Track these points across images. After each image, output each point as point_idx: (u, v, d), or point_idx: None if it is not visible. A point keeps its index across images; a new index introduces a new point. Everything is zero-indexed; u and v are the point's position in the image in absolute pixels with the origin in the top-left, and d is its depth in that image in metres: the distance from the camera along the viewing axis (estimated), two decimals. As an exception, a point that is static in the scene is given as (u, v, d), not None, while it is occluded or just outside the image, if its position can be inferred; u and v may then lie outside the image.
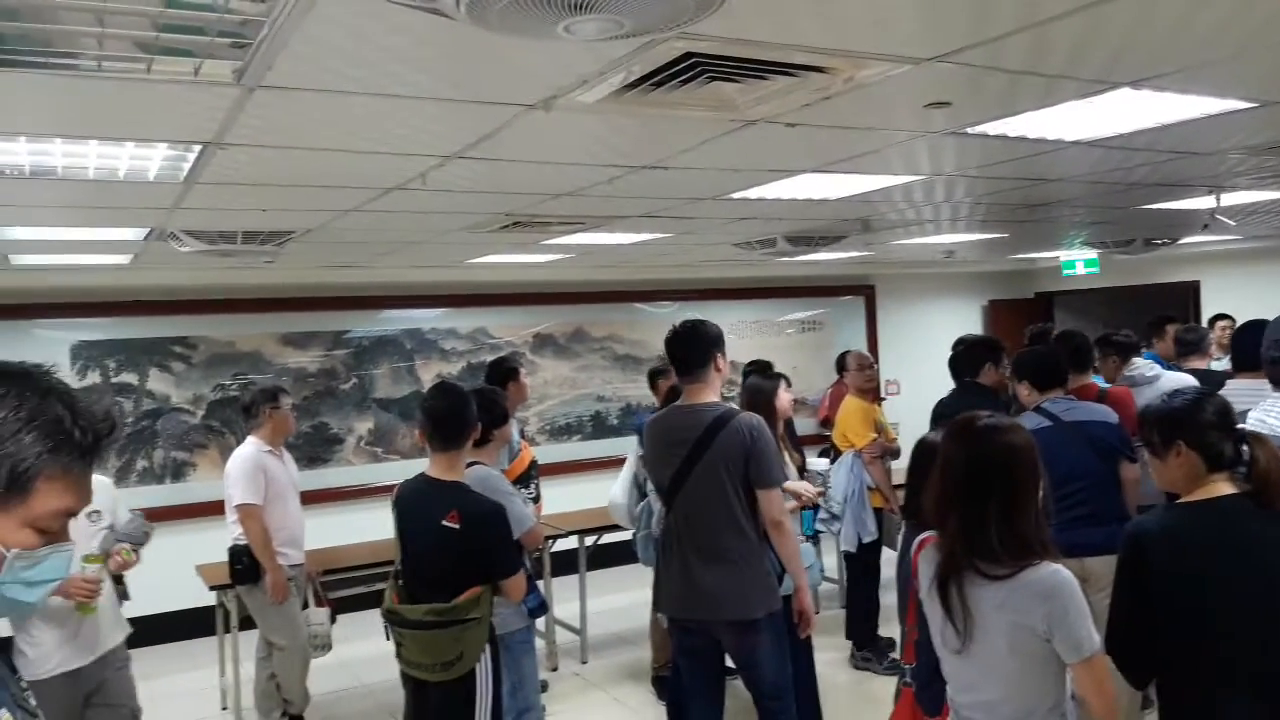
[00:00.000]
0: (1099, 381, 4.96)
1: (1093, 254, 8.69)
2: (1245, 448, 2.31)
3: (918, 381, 8.56)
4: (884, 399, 8.94)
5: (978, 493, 2.21)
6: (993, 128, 3.23)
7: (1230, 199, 5.30)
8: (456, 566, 3.28)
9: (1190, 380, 4.30)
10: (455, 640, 3.23)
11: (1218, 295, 9.06)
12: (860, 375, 5.98)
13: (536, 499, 4.86)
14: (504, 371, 5.32)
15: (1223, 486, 2.31)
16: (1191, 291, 9.33)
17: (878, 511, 5.60)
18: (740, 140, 3.20)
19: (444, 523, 3.26)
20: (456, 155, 3.27)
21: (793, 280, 9.54)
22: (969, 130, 3.27)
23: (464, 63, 2.29)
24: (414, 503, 3.47)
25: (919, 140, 3.43)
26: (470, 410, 3.45)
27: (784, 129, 3.06)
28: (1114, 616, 2.38)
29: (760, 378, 4.79)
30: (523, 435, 5.52)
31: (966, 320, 10.38)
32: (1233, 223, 5.14)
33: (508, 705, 3.91)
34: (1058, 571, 2.17)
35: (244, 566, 4.80)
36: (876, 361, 9.90)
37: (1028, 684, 2.22)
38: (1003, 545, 2.17)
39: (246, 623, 5.09)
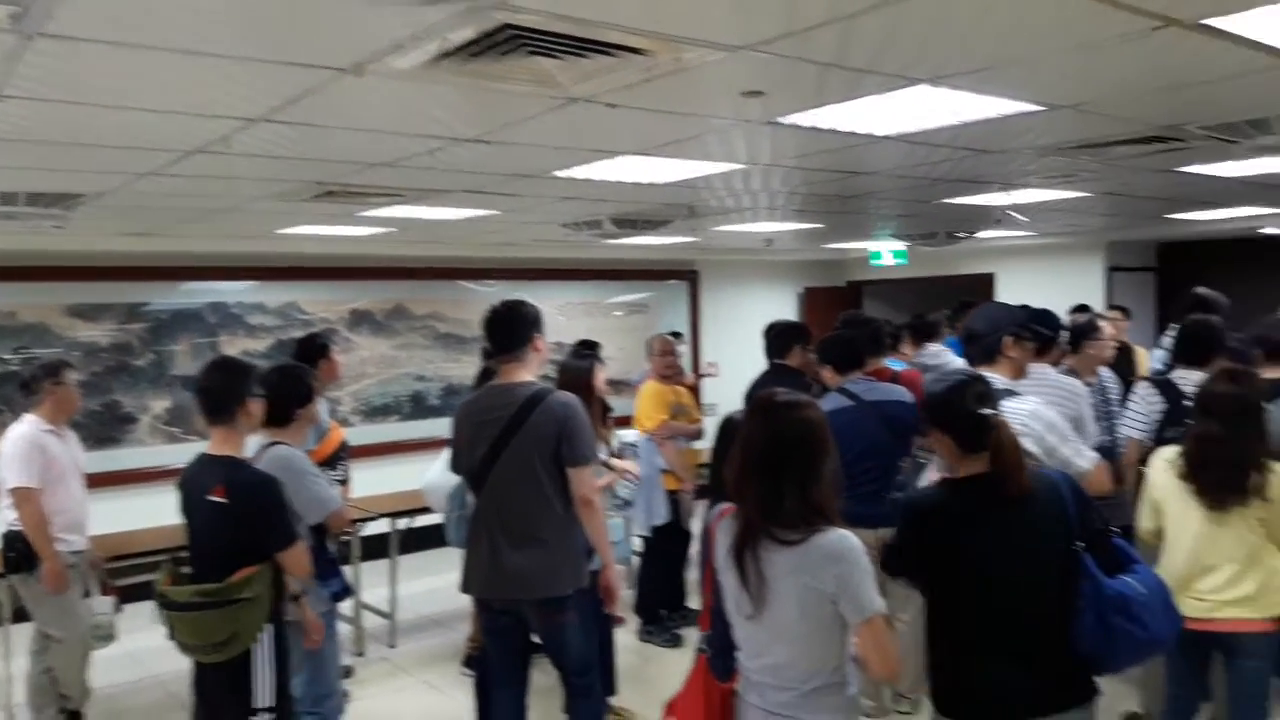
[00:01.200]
0: (893, 365, 5.25)
1: (901, 245, 9.14)
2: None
3: (738, 364, 8.79)
4: (702, 376, 9.16)
5: (776, 464, 2.31)
6: (805, 119, 3.33)
7: (1021, 196, 5.69)
8: (230, 543, 3.18)
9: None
10: (226, 621, 3.11)
11: (1011, 287, 9.74)
12: (662, 360, 6.02)
13: (344, 481, 4.69)
14: (314, 348, 5.10)
15: (979, 466, 2.48)
16: (988, 283, 10.00)
17: (672, 494, 5.70)
18: (563, 118, 3.17)
19: (211, 498, 3.17)
20: (262, 118, 3.10)
21: (620, 263, 9.60)
22: (783, 120, 3.36)
23: (269, 21, 2.16)
24: (189, 481, 3.36)
25: (737, 128, 3.50)
26: (242, 384, 3.32)
27: (606, 109, 3.06)
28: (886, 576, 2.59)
29: (574, 357, 4.81)
30: (333, 415, 5.32)
31: (783, 306, 10.75)
32: (1023, 218, 5.52)
33: (304, 691, 3.77)
34: (846, 536, 2.29)
35: (18, 554, 4.43)
36: (698, 344, 10.25)
37: (815, 647, 2.33)
38: (798, 512, 2.27)
39: (21, 614, 4.70)
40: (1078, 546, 2.45)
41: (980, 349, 3.47)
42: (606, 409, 4.91)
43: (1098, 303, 9.19)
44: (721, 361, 10.05)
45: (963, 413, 2.48)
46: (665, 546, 5.79)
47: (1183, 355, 4.28)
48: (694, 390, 8.88)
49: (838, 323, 5.35)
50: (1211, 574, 3.23)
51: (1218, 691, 3.83)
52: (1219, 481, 3.18)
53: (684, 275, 10.28)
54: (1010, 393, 3.20)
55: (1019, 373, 3.49)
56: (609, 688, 4.59)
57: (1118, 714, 4.46)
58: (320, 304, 7.99)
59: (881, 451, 4.45)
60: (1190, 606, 3.21)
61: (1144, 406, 4.18)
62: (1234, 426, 3.17)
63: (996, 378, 3.24)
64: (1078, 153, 4.16)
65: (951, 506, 2.52)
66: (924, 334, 5.93)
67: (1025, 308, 3.89)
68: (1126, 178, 5.23)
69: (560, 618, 3.53)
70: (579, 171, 4.32)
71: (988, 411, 2.48)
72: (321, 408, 4.67)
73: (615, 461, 4.68)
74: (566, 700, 3.75)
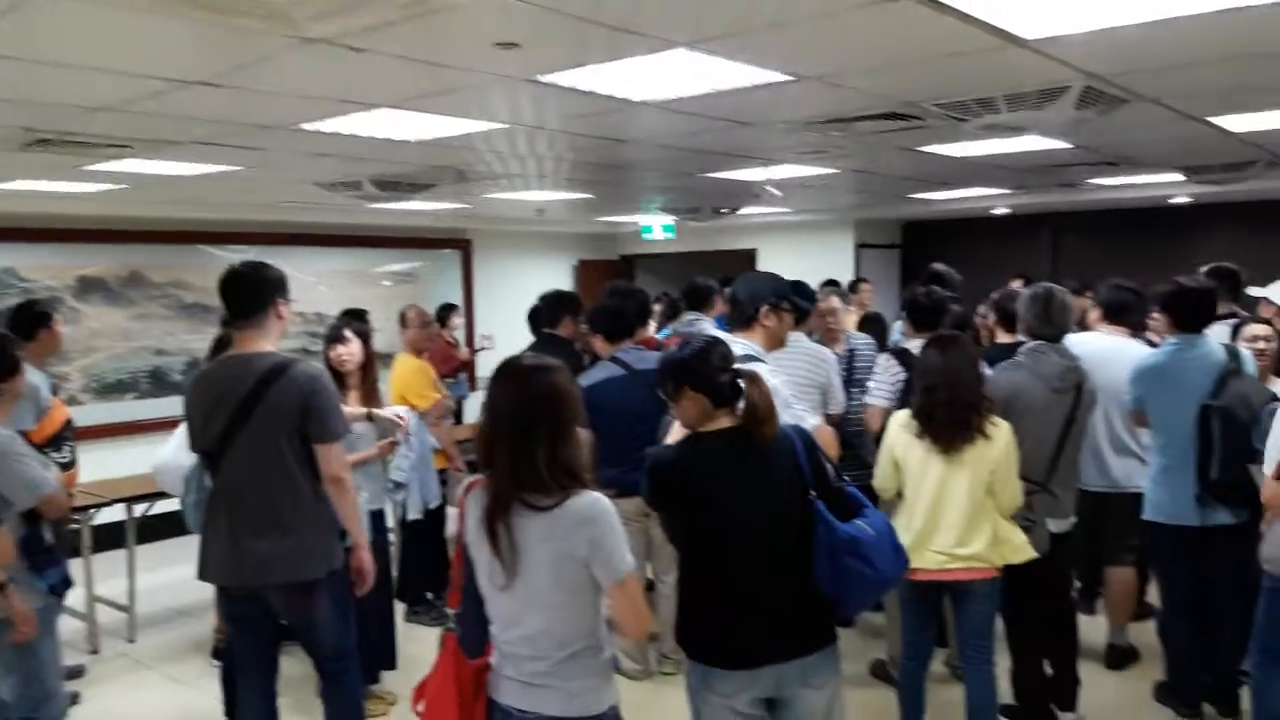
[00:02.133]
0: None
1: (670, 220, 9.32)
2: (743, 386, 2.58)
3: (513, 336, 8.67)
4: (478, 351, 8.98)
5: (525, 429, 2.25)
6: (565, 79, 3.27)
7: (779, 172, 5.90)
8: None
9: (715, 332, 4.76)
10: None
11: (771, 262, 10.17)
12: (420, 333, 5.74)
13: (70, 464, 4.23)
14: (31, 318, 4.57)
15: (725, 420, 2.56)
16: (751, 258, 10.39)
17: (441, 473, 5.51)
18: (304, 62, 2.95)
19: None
20: (-61, 44, 2.69)
21: (388, 230, 9.23)
22: (543, 79, 3.28)
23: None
24: None
25: (496, 85, 3.38)
26: None
27: (351, 54, 2.86)
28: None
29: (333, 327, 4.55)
30: (58, 392, 4.79)
31: (558, 278, 10.73)
32: (779, 193, 5.71)
33: (17, 695, 3.38)
34: (599, 499, 2.27)
35: None
36: (472, 316, 10.05)
37: (570, 613, 2.30)
38: (551, 476, 2.23)
39: None
40: (812, 495, 2.55)
41: (740, 316, 3.53)
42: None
43: (848, 277, 9.77)
44: (496, 334, 9.88)
45: (713, 371, 2.55)
46: (428, 527, 5.61)
47: (914, 325, 4.58)
48: (469, 366, 8.71)
49: (604, 293, 5.36)
50: (947, 530, 3.48)
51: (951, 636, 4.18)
52: (948, 422, 3.44)
53: (456, 244, 10.03)
54: (751, 358, 3.25)
55: (775, 341, 3.54)
56: (371, 673, 4.41)
57: (866, 663, 4.72)
58: (42, 269, 7.18)
59: (652, 419, 4.47)
60: (929, 560, 3.47)
61: (885, 376, 4.42)
62: (951, 378, 3.45)
63: (749, 344, 3.31)
64: (827, 127, 4.33)
65: (699, 459, 2.57)
66: (694, 301, 6.02)
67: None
68: (873, 155, 5.53)
69: (309, 601, 3.32)
70: (329, 125, 4.07)
71: (738, 368, 2.56)
72: (40, 383, 4.20)
73: (378, 412, 4.45)
74: (322, 687, 3.55)
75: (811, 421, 3.30)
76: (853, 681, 4.64)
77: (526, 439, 2.25)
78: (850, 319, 5.99)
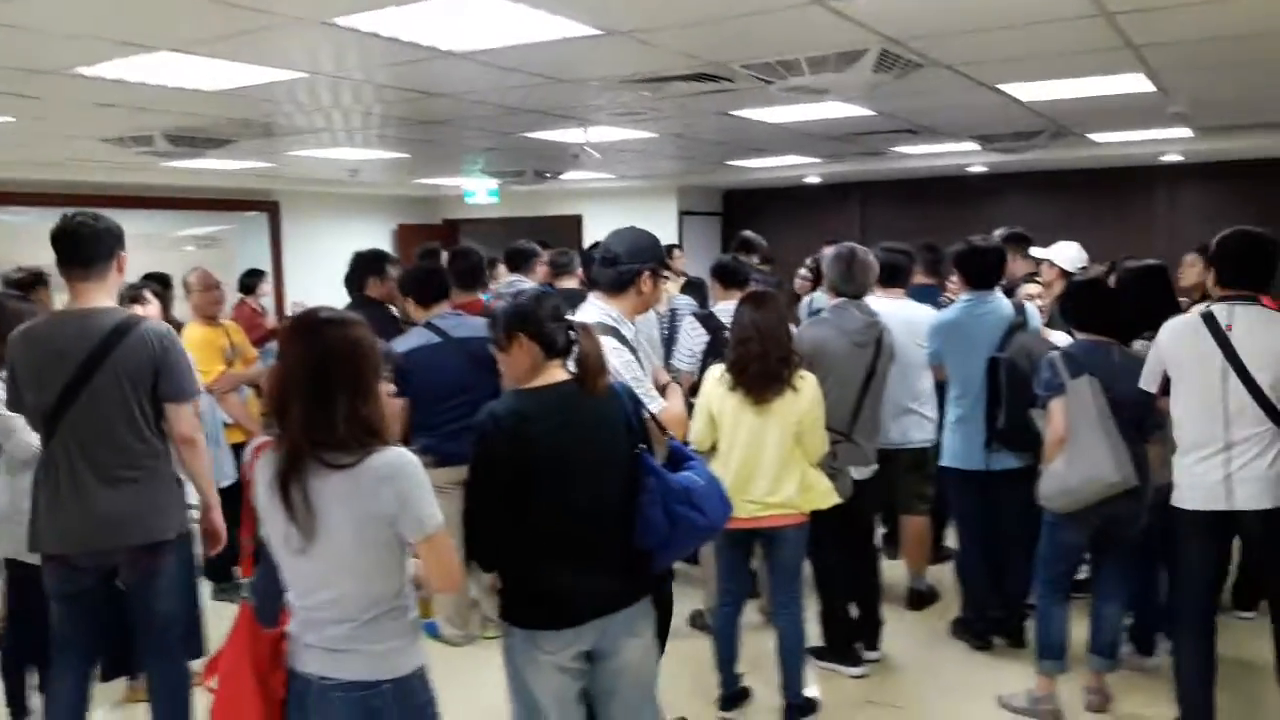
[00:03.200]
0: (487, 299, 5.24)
1: (493, 184, 9.17)
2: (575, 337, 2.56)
3: (326, 303, 8.34)
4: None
5: (325, 384, 2.16)
6: (364, 21, 3.12)
7: (597, 134, 5.88)
8: None
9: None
10: None
11: (596, 228, 10.15)
12: (205, 296, 5.36)
13: None
14: None
15: (558, 373, 2.53)
16: (576, 223, 10.37)
17: (237, 446, 5.18)
18: (68, -6, 2.69)
19: None
20: None
21: (188, 190, 8.67)
22: (340, 22, 3.12)
23: None
24: None
25: (289, 27, 3.20)
26: None
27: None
28: (469, 503, 2.52)
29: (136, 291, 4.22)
30: None
31: (376, 243, 10.21)
32: (599, 155, 5.71)
33: None
34: (402, 453, 2.20)
35: None
36: (282, 282, 9.58)
37: (374, 574, 2.22)
38: (350, 433, 2.14)
39: None
40: (640, 448, 2.58)
41: (614, 278, 3.08)
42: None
43: (672, 243, 9.91)
44: (311, 302, 9.44)
45: (546, 320, 2.50)
46: (226, 504, 5.28)
47: (723, 285, 4.70)
48: (279, 334, 8.30)
49: (417, 254, 5.23)
50: (760, 479, 3.59)
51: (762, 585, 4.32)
52: (760, 375, 3.55)
53: (263, 207, 9.54)
54: (610, 330, 3.07)
55: (643, 310, 3.26)
56: (196, 649, 4.16)
57: (684, 616, 4.82)
58: None
59: (470, 387, 4.38)
60: (743, 508, 3.54)
61: (689, 341, 4.51)
62: (764, 332, 3.57)
63: (608, 310, 3.09)
64: (640, 87, 4.34)
65: (531, 412, 2.51)
66: (516, 263, 5.94)
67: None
68: (689, 119, 5.59)
69: (158, 564, 3.16)
70: (109, 69, 3.75)
71: (571, 318, 2.53)
72: None
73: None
74: (145, 661, 3.34)
75: (658, 404, 3.08)
76: (671, 634, 4.76)
77: (323, 395, 2.15)
78: (673, 284, 6.07)
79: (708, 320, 4.53)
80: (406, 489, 2.17)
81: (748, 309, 3.66)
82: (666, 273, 5.22)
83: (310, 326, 2.24)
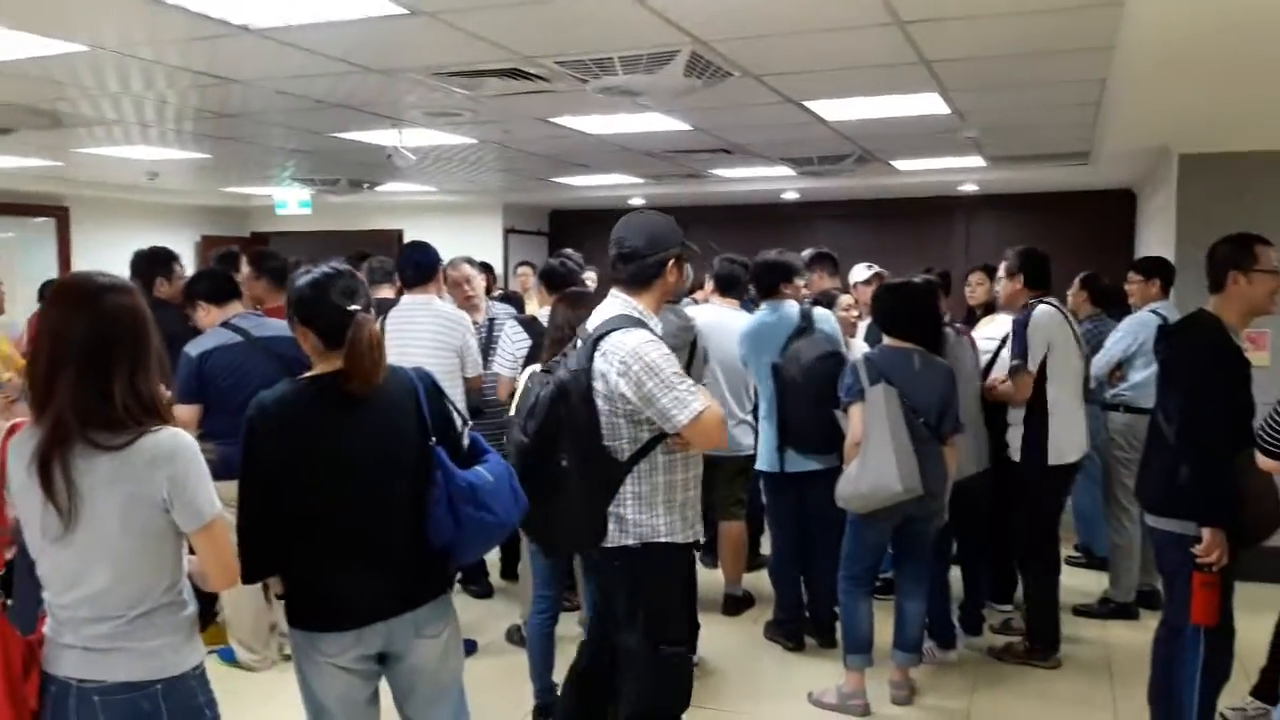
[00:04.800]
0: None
1: (306, 194, 8.81)
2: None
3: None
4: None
5: (102, 355, 1.97)
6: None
7: (412, 137, 5.73)
8: None
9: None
10: None
11: (417, 244, 9.92)
12: None
13: None
14: None
15: (339, 363, 2.35)
16: (396, 239, 10.08)
17: None
18: None
19: None
20: None
21: (-42, 192, 7.91)
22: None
23: None
24: None
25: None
26: None
27: None
28: (240, 500, 2.32)
29: None
30: None
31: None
32: (413, 157, 5.55)
33: None
34: (178, 434, 2.04)
35: None
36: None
37: (142, 565, 2.04)
38: (126, 410, 1.97)
39: None
40: (433, 442, 2.42)
41: (637, 273, 2.72)
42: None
43: (498, 261, 9.80)
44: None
45: (329, 307, 2.33)
46: None
47: (549, 288, 4.66)
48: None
49: (214, 258, 4.98)
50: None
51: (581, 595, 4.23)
52: None
53: (50, 212, 8.80)
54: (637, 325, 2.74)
55: (665, 298, 2.90)
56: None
57: (501, 631, 4.70)
58: None
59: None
60: None
61: (511, 346, 4.45)
62: (577, 331, 3.50)
63: (634, 305, 2.73)
64: (453, 81, 4.24)
65: (306, 405, 2.35)
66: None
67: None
68: (509, 125, 5.53)
69: None
70: None
71: (353, 307, 2.33)
72: None
73: None
74: None
75: (700, 402, 2.63)
76: (487, 650, 4.63)
77: (100, 367, 1.96)
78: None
79: (530, 325, 4.47)
80: (182, 473, 2.01)
81: (562, 308, 3.61)
82: (474, 272, 5.20)
83: (88, 292, 2.02)
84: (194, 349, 4.12)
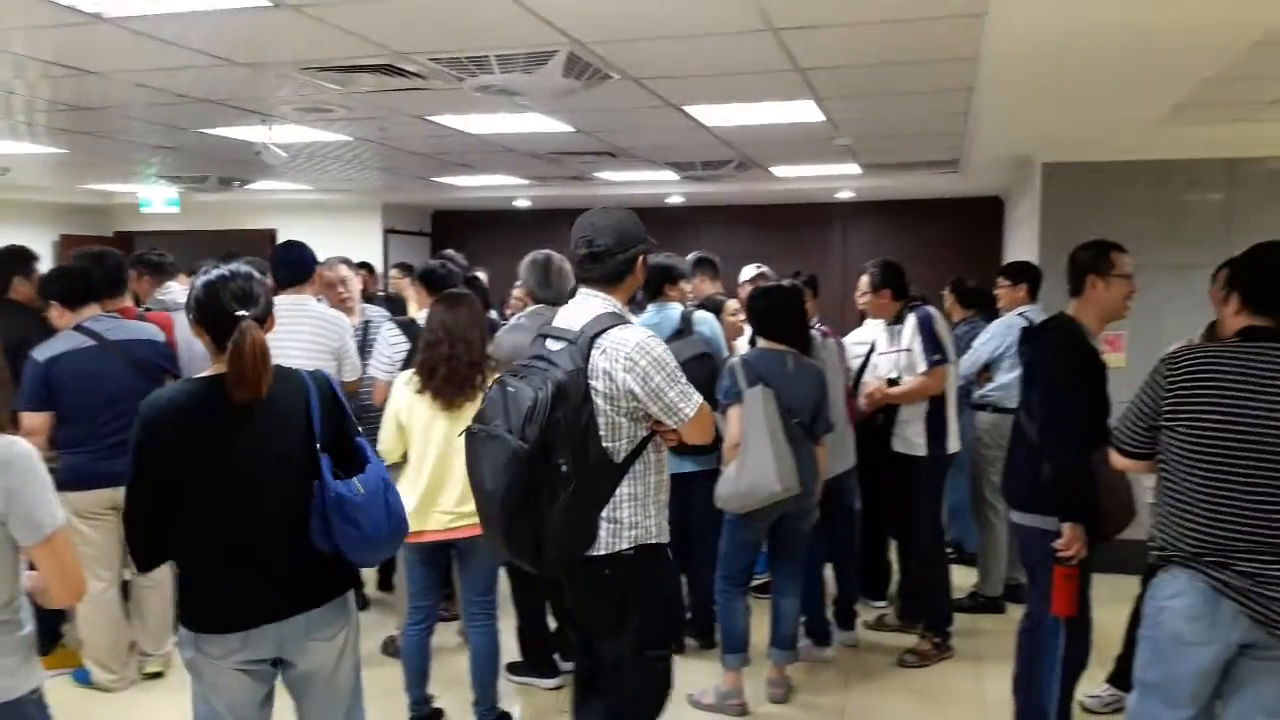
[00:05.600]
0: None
1: (173, 192, 8.44)
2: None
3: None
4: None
5: None
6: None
7: (283, 134, 5.54)
8: None
9: None
10: None
11: (294, 244, 9.60)
12: None
13: None
14: None
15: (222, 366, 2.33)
16: (270, 239, 9.74)
17: None
18: None
19: None
20: None
21: None
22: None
23: None
24: None
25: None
26: None
27: None
28: (127, 495, 2.30)
29: None
30: None
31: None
32: (283, 154, 5.36)
33: None
34: (16, 442, 1.97)
35: None
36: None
37: None
38: None
39: None
40: (318, 448, 2.37)
41: (613, 269, 2.67)
42: None
43: (378, 262, 9.56)
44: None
45: (219, 310, 2.28)
46: None
47: (428, 289, 4.56)
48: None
49: (73, 256, 4.69)
50: (452, 488, 3.45)
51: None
52: (451, 378, 3.44)
53: (-114, 208, 8.21)
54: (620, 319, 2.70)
55: (631, 292, 2.88)
56: None
57: (379, 641, 4.58)
58: None
59: (132, 397, 3.94)
60: (435, 520, 3.44)
61: (387, 348, 4.34)
62: (455, 334, 3.47)
63: (611, 302, 2.69)
64: (323, 77, 4.11)
65: (195, 406, 2.30)
66: (159, 270, 5.40)
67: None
68: (385, 123, 5.39)
69: None
70: None
71: (241, 312, 2.28)
72: None
73: None
74: None
75: (695, 402, 2.65)
76: (363, 662, 4.47)
77: None
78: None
79: (409, 327, 4.36)
80: (18, 485, 1.93)
81: (439, 310, 3.56)
82: (351, 273, 5.06)
83: None
84: (41, 354, 3.91)
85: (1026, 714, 3.46)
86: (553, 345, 2.62)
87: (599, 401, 2.54)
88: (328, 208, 9.91)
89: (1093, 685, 3.85)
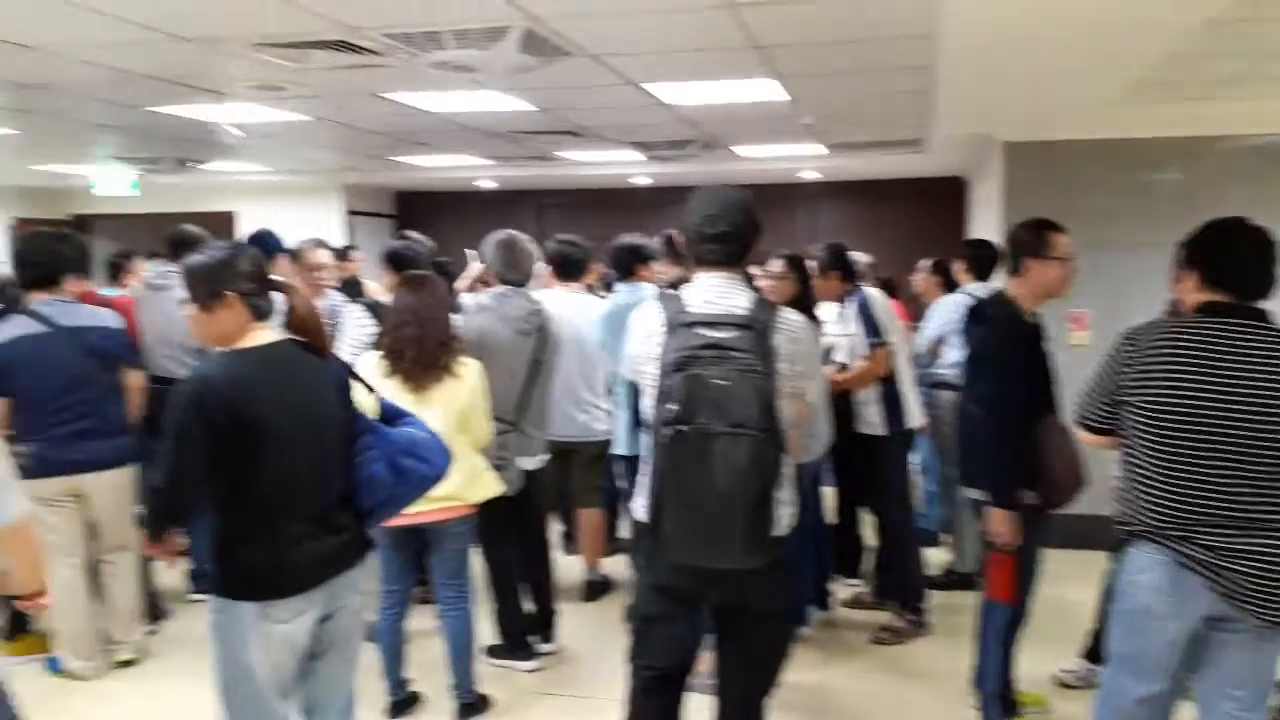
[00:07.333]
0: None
1: (132, 174, 8.28)
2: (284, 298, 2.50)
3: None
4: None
5: None
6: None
7: (239, 112, 5.43)
8: None
9: None
10: None
11: (251, 226, 9.43)
12: None
13: None
14: None
15: (268, 334, 2.44)
16: (229, 221, 9.62)
17: None
18: None
19: None
20: None
21: None
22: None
23: None
24: None
25: None
26: None
27: None
28: (172, 471, 2.31)
29: None
30: None
31: (-13, 240, 9.03)
32: (240, 133, 5.26)
33: None
34: None
35: None
36: None
37: None
38: None
39: None
40: (356, 406, 2.55)
41: (741, 251, 2.60)
42: None
43: (341, 243, 9.43)
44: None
45: (251, 277, 2.42)
46: None
47: (394, 270, 4.52)
48: None
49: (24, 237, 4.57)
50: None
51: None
52: (418, 361, 3.44)
53: None
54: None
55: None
56: None
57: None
58: None
59: (88, 384, 4.01)
60: None
61: (356, 330, 4.30)
62: (421, 316, 3.48)
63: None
64: (275, 53, 4.02)
65: (251, 375, 2.37)
66: (180, 250, 5.32)
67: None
68: (342, 101, 5.31)
69: None
70: None
71: (278, 279, 2.49)
72: None
73: None
74: None
75: None
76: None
77: None
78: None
79: (375, 309, 4.32)
80: None
81: (404, 292, 3.56)
82: (329, 259, 5.00)
83: None
84: (-8, 339, 3.82)
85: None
86: (720, 334, 2.42)
87: (778, 383, 2.45)
88: (288, 189, 9.78)
89: (1066, 660, 3.90)
